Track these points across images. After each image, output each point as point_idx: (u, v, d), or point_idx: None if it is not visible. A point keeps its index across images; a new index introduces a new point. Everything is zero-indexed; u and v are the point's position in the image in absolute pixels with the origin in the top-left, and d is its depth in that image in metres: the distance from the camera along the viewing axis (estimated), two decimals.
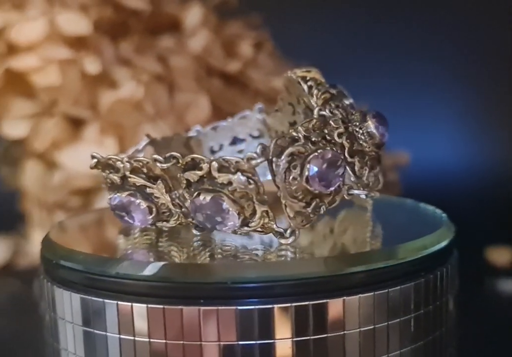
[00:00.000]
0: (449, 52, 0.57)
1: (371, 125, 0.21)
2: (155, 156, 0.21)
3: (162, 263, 0.19)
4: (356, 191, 0.21)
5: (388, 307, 0.19)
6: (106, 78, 0.40)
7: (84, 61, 0.39)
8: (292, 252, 0.20)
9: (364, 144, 0.21)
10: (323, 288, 0.18)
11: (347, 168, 0.21)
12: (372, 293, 0.18)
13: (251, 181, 0.19)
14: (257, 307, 0.18)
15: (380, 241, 0.21)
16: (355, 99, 0.23)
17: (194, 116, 0.40)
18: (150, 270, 0.19)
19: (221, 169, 0.20)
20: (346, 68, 0.55)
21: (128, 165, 0.21)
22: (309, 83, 0.22)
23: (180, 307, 0.18)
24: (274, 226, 0.20)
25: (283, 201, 0.20)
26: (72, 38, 0.40)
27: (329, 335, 0.18)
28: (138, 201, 0.21)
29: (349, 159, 0.21)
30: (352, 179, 0.21)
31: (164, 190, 0.21)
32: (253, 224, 0.20)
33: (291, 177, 0.20)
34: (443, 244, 0.20)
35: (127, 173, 0.21)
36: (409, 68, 0.57)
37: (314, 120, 0.20)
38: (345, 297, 0.18)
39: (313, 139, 0.20)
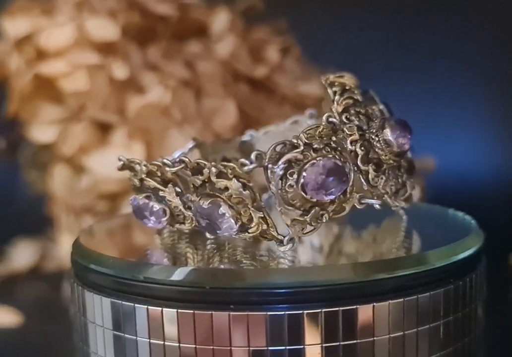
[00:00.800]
0: (475, 57, 0.56)
1: (388, 132, 0.20)
2: (164, 160, 0.21)
3: (190, 267, 0.19)
4: (369, 201, 0.20)
5: (418, 313, 0.19)
6: (133, 83, 0.40)
7: (112, 66, 0.40)
8: (290, 260, 0.20)
9: (380, 152, 0.21)
10: (352, 294, 0.18)
11: (360, 176, 0.20)
12: (401, 299, 0.18)
13: (246, 187, 0.20)
14: (287, 312, 0.18)
15: (409, 247, 0.21)
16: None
17: (221, 122, 0.41)
18: (179, 275, 0.19)
19: (220, 174, 0.20)
20: (372, 73, 0.55)
21: (144, 168, 0.22)
22: (334, 88, 0.22)
23: (210, 312, 0.18)
24: (275, 232, 0.20)
25: (279, 208, 0.20)
26: (100, 44, 0.40)
27: (359, 341, 0.18)
28: (151, 203, 0.22)
29: (362, 167, 0.20)
30: (365, 188, 0.20)
31: (174, 194, 0.22)
32: (251, 230, 0.20)
33: (287, 184, 0.20)
34: (473, 250, 0.20)
35: (143, 176, 0.22)
36: (435, 74, 0.57)
37: (321, 127, 0.20)
38: (374, 303, 0.18)
39: (314, 146, 0.20)
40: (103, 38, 0.40)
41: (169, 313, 0.19)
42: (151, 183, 0.22)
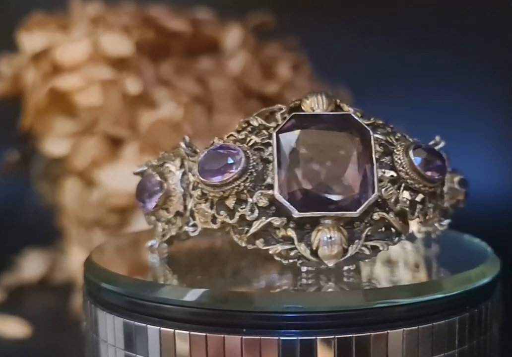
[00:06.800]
0: (487, 77, 0.56)
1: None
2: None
3: (203, 289, 0.19)
4: (186, 227, 0.22)
5: (433, 341, 0.19)
6: (146, 98, 0.41)
7: (125, 82, 0.40)
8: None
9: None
10: (366, 320, 0.18)
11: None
12: (416, 327, 0.18)
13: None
14: (299, 338, 0.18)
15: (424, 273, 0.21)
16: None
17: None
18: (191, 296, 0.19)
19: None
20: (383, 91, 0.55)
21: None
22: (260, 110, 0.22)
23: (222, 335, 0.18)
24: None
25: None
26: (115, 59, 0.40)
27: None
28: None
29: (190, 191, 0.21)
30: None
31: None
32: None
33: None
34: (489, 278, 0.20)
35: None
36: (446, 93, 0.57)
37: (177, 149, 0.23)
38: (388, 331, 0.18)
39: (154, 164, 0.23)
40: (117, 54, 0.40)
41: (182, 334, 0.19)
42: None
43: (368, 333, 0.18)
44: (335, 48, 0.57)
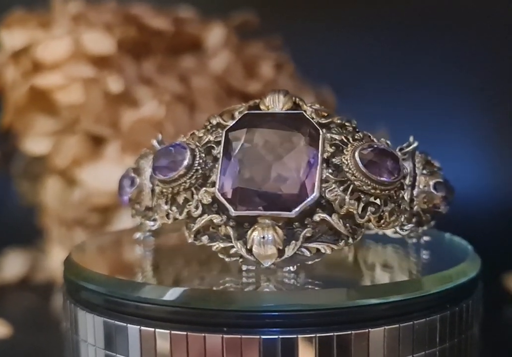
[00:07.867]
0: (468, 80, 0.56)
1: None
2: None
3: (183, 288, 0.19)
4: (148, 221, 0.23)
5: (413, 339, 0.19)
6: (128, 97, 0.40)
7: (107, 80, 0.40)
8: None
9: None
10: (347, 319, 0.18)
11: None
12: (397, 325, 0.18)
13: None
14: (280, 336, 0.18)
15: (405, 272, 0.21)
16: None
17: None
18: (172, 295, 0.19)
19: None
20: (365, 92, 0.55)
21: None
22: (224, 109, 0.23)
23: (203, 334, 0.18)
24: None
25: None
26: (96, 57, 0.40)
27: None
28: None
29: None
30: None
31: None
32: None
33: None
34: (469, 276, 0.20)
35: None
36: (429, 95, 0.57)
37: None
38: (369, 329, 0.18)
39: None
40: (99, 52, 0.40)
41: (162, 334, 0.19)
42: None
43: (349, 332, 0.18)
44: (319, 47, 0.57)
